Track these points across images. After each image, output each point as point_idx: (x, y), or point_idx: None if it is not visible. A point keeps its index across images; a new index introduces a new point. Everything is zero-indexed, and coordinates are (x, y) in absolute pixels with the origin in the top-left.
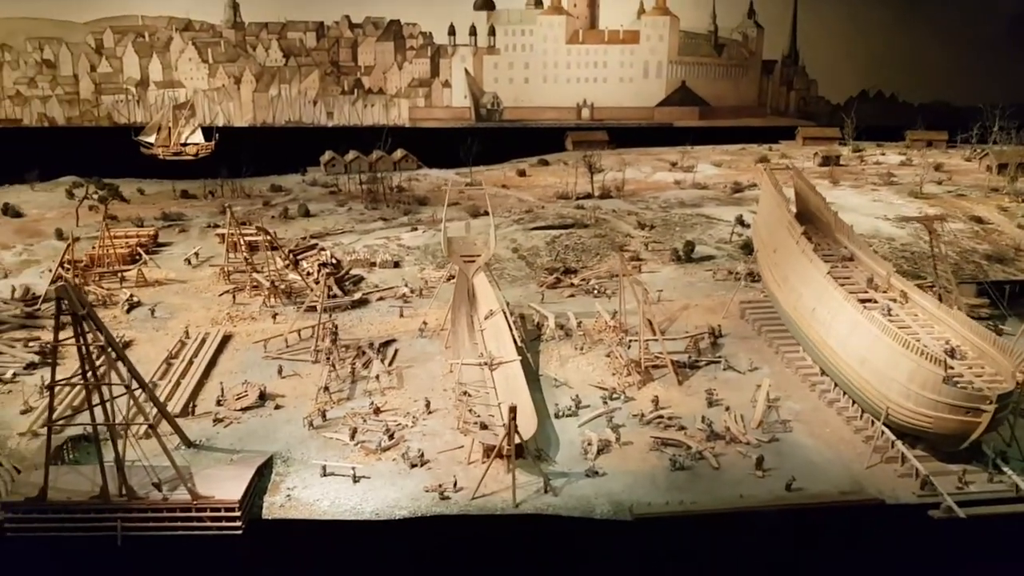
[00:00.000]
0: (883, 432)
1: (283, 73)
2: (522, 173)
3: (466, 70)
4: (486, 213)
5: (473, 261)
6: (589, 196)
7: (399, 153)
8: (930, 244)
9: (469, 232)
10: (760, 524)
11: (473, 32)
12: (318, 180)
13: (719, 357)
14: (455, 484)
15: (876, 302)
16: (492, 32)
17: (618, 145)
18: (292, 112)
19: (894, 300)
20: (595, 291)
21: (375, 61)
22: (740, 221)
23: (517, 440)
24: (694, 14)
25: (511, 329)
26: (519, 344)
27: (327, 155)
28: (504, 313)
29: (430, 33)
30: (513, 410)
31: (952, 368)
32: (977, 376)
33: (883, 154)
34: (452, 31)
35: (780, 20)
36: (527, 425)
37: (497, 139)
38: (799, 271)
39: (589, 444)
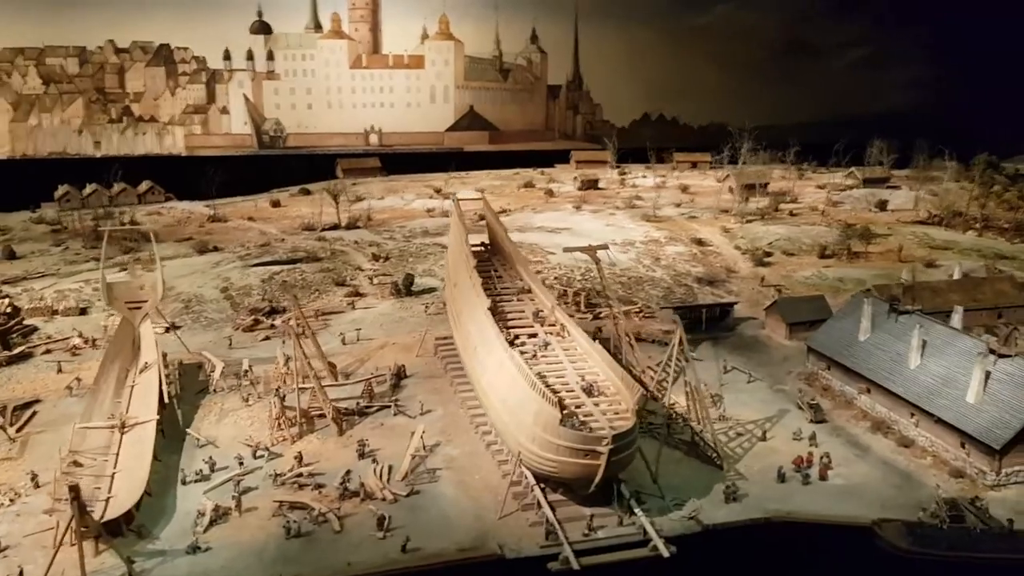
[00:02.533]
0: (524, 477)
1: (43, 101)
2: (276, 204)
3: (245, 96)
4: (215, 249)
5: (139, 308)
6: (336, 227)
7: (144, 185)
8: (598, 272)
9: (135, 275)
10: None
11: (250, 56)
12: (45, 217)
13: (392, 401)
14: (21, 574)
15: (537, 336)
16: (271, 56)
17: (392, 172)
18: (55, 143)
19: (557, 334)
20: (298, 333)
21: (145, 87)
22: None
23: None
24: (477, 39)
25: (161, 383)
26: (168, 400)
27: (61, 189)
28: (159, 365)
29: (204, 58)
30: (75, 489)
31: (583, 406)
32: (615, 414)
33: (644, 176)
34: (227, 55)
35: (563, 46)
36: (125, 499)
37: (278, 166)
38: (470, 307)
39: (201, 515)
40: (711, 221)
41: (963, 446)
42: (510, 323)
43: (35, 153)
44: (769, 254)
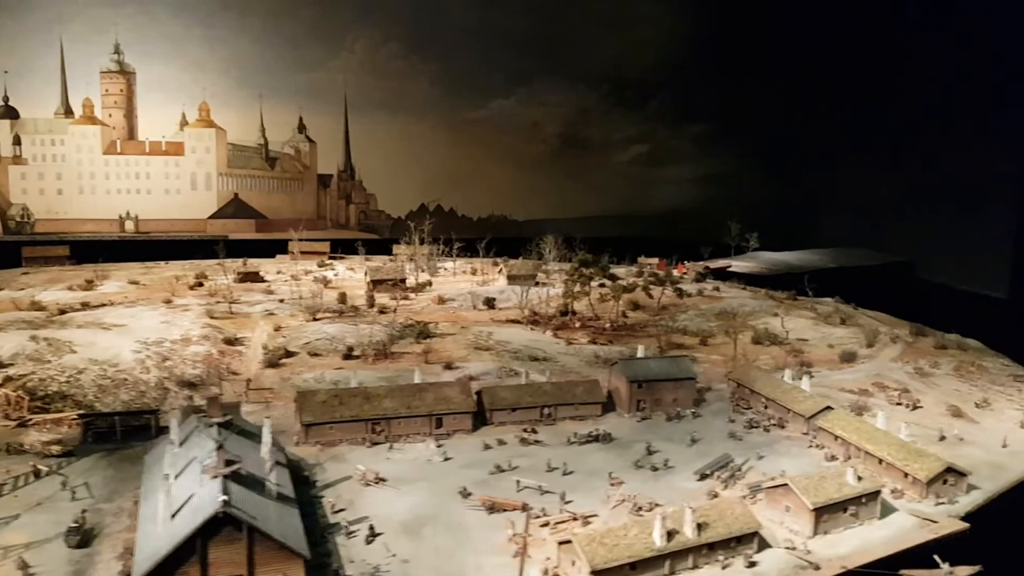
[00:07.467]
0: None
1: None
2: None
3: None
4: None
5: None
6: None
7: None
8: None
9: None
10: None
11: None
12: None
13: None
14: None
15: None
16: (17, 141)
17: (85, 261)
18: None
19: None
20: None
21: None
22: None
23: None
24: (241, 127)
25: None
26: None
27: None
28: None
29: None
30: None
31: None
32: None
33: (334, 271)
34: None
35: (333, 136)
36: None
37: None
38: None
39: None
40: (287, 319)
41: None
42: None
43: None
44: (292, 354)
